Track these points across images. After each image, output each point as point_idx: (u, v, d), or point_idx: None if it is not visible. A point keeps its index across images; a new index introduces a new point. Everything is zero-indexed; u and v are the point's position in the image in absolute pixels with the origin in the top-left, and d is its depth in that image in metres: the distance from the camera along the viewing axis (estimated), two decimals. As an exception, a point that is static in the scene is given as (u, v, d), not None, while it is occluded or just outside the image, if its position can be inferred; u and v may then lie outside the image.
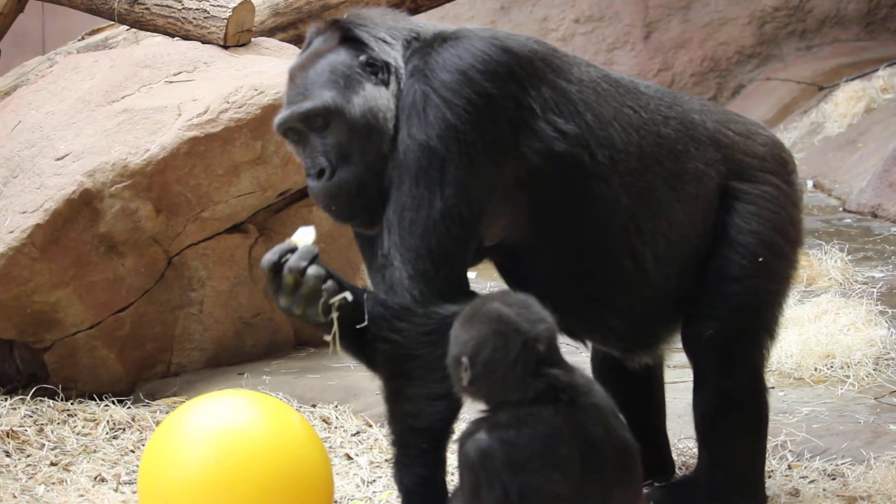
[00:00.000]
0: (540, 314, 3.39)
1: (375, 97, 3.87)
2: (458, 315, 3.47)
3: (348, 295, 3.71)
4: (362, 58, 3.89)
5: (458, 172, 3.76)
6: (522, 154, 3.87)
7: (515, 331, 3.35)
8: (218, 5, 6.43)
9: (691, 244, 4.15)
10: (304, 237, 3.76)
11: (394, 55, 3.91)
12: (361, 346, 3.79)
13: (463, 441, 3.38)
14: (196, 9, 6.47)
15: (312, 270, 3.67)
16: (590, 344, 4.35)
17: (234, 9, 6.39)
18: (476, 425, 3.38)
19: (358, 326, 3.73)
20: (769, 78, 13.47)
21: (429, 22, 4.08)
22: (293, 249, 3.71)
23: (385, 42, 3.93)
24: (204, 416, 3.88)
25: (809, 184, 10.36)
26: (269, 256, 3.71)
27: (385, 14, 4.03)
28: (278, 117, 3.91)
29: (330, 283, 3.70)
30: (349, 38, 3.92)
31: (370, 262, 3.96)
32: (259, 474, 3.75)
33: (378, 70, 3.88)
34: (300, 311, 3.72)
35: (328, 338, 3.73)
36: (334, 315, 3.69)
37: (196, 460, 3.77)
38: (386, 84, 3.88)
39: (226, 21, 6.37)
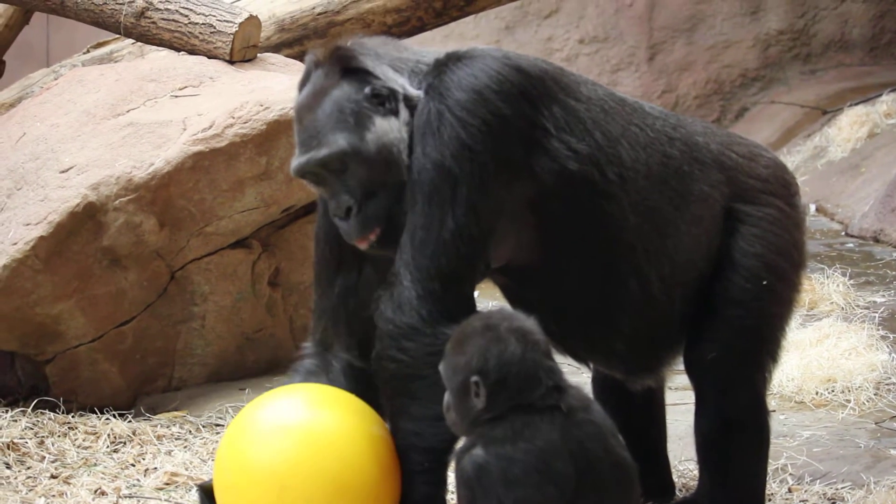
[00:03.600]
0: (523, 320, 3.48)
1: (387, 131, 3.82)
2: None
3: None
4: (367, 90, 3.83)
5: (470, 193, 3.75)
6: (535, 174, 3.86)
7: (507, 330, 3.41)
8: (224, 20, 6.44)
9: (695, 266, 4.14)
10: None
11: (401, 82, 3.86)
12: None
13: (460, 457, 3.40)
14: (202, 23, 6.48)
15: None
16: (592, 366, 4.35)
17: (241, 24, 6.40)
18: (473, 440, 3.39)
19: None
20: (773, 101, 13.46)
21: (429, 48, 4.06)
22: None
23: (390, 68, 3.88)
24: (281, 408, 3.87)
25: (812, 208, 10.35)
26: None
27: (386, 42, 3.98)
28: (295, 162, 3.87)
29: None
30: (350, 70, 3.87)
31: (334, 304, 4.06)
32: (335, 469, 3.71)
33: (385, 100, 3.84)
34: None
35: None
36: None
37: (273, 451, 3.74)
38: (395, 113, 3.84)
39: (232, 36, 6.39)
